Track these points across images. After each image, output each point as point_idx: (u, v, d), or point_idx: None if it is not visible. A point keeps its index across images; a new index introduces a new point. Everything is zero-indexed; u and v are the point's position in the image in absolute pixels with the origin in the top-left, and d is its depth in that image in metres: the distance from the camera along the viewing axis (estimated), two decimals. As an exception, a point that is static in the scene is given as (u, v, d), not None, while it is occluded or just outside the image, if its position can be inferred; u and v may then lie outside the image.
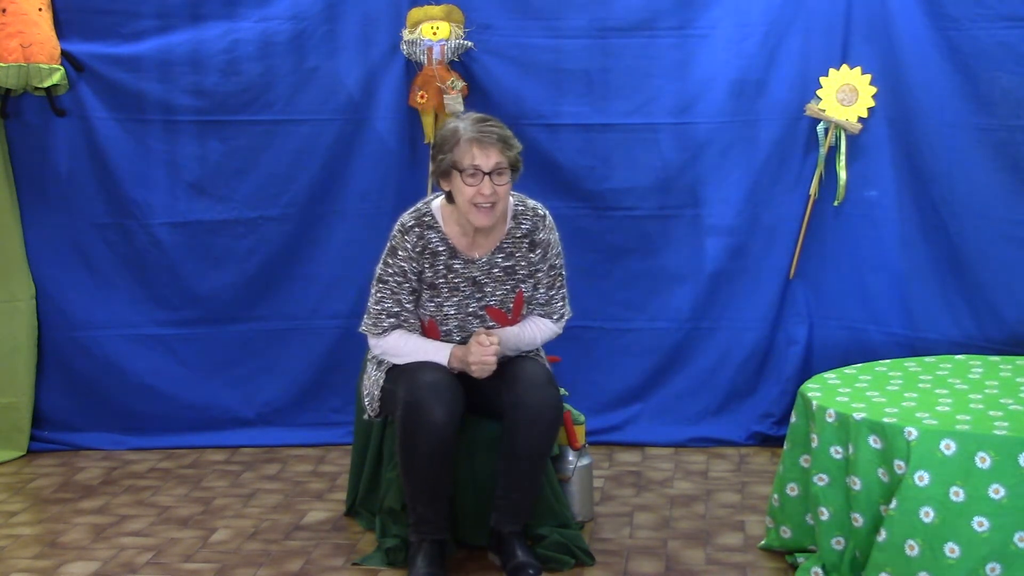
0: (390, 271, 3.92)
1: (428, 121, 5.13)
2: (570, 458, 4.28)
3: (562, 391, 4.32)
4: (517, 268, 3.98)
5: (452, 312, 3.97)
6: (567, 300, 4.11)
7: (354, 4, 5.14)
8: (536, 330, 4.06)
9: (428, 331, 4.01)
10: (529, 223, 3.97)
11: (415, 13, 5.11)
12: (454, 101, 5.05)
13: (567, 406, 4.29)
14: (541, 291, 4.02)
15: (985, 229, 4.78)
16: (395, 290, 3.92)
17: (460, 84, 5.07)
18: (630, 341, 5.26)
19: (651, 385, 5.27)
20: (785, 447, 3.96)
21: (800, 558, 3.90)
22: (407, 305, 3.93)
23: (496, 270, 3.96)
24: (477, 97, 5.11)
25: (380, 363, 4.06)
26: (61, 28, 5.09)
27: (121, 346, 5.28)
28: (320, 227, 5.26)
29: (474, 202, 3.79)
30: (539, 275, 4.00)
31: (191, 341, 5.30)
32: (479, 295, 3.96)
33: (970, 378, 4.06)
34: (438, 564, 3.88)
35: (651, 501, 4.56)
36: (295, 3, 5.12)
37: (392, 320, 3.94)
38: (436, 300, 3.95)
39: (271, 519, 4.46)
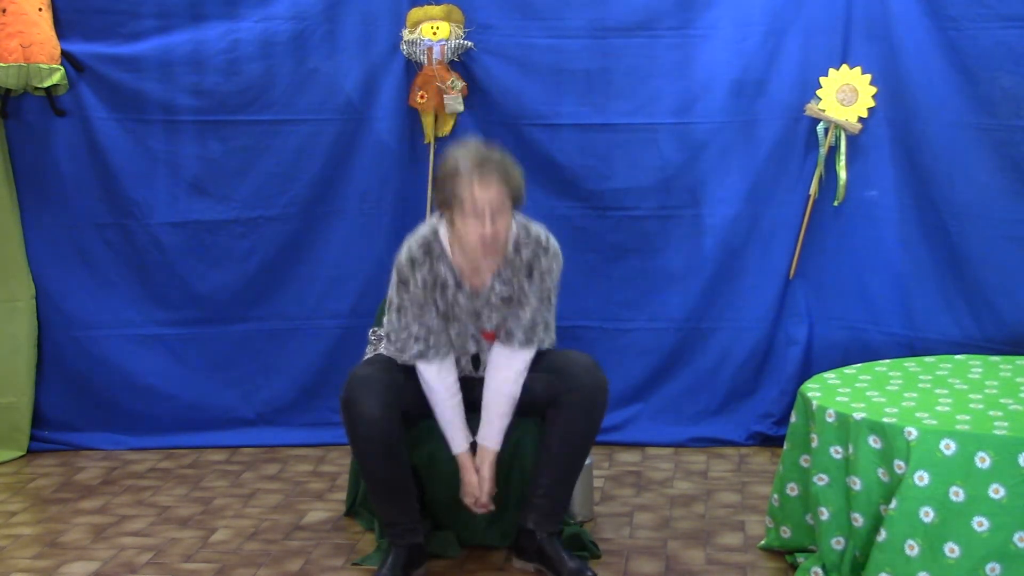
0: (406, 302, 3.86)
1: (428, 121, 5.13)
2: (570, 458, 4.28)
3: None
4: (514, 296, 3.89)
5: (453, 338, 3.93)
6: (550, 329, 3.95)
7: (354, 4, 5.14)
8: (515, 385, 3.91)
9: None
10: (530, 251, 3.87)
11: (415, 13, 5.11)
12: (454, 101, 5.05)
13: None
14: (527, 311, 3.88)
15: (985, 229, 4.78)
16: (418, 314, 3.86)
17: (460, 84, 5.07)
18: (630, 341, 5.26)
19: (651, 385, 5.26)
20: (785, 447, 3.96)
21: (800, 558, 3.90)
22: (432, 323, 3.86)
23: (494, 299, 3.89)
24: (477, 97, 5.12)
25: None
26: (61, 28, 5.09)
27: (121, 346, 5.28)
28: (320, 227, 5.26)
29: (481, 242, 3.74)
30: (529, 295, 3.88)
31: (191, 341, 5.30)
32: (477, 322, 3.93)
33: (970, 378, 4.06)
34: (400, 569, 3.85)
35: (651, 501, 4.56)
36: (295, 3, 5.12)
37: (421, 344, 3.86)
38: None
39: (271, 519, 4.46)
